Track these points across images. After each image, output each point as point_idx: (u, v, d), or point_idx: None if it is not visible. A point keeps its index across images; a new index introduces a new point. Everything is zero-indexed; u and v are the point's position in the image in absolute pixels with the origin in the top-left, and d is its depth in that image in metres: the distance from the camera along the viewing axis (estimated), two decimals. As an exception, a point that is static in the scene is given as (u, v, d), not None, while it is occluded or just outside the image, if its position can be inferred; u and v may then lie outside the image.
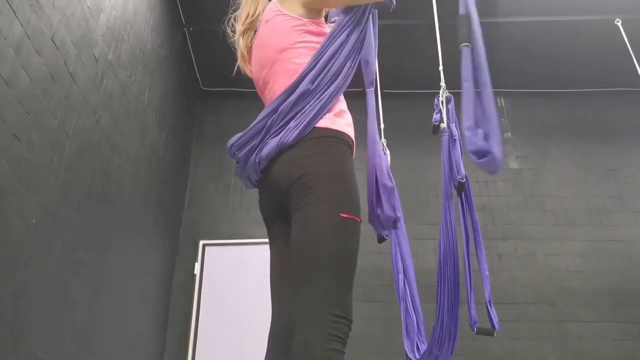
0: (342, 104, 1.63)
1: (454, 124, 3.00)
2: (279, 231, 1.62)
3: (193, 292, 4.77)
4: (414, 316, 3.15)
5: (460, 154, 2.92)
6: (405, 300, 3.19)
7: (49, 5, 2.64)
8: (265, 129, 1.57)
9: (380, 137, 3.81)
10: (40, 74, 2.56)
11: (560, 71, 5.38)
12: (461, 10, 1.96)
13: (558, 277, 4.83)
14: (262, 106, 1.67)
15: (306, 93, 1.55)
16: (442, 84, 3.11)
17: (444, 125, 2.99)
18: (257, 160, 1.57)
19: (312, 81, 1.56)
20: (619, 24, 4.42)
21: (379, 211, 1.66)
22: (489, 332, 2.82)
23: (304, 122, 1.51)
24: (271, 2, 1.73)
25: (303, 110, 1.53)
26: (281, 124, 1.54)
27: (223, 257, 4.96)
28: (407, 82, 5.28)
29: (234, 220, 5.13)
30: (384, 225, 1.69)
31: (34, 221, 2.51)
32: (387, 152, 3.57)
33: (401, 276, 3.26)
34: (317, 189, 1.44)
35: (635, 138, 5.45)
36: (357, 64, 1.65)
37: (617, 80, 5.42)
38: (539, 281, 4.80)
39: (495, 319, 2.81)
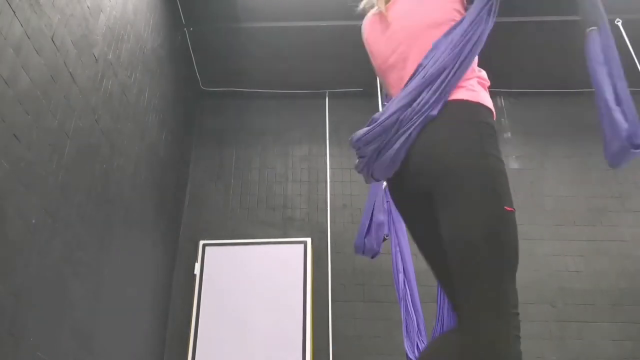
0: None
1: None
2: (421, 230, 1.59)
3: (193, 292, 4.77)
4: (414, 316, 3.15)
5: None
6: (406, 300, 3.19)
7: (48, 5, 2.64)
8: (398, 123, 1.48)
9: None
10: (40, 74, 2.56)
11: (560, 71, 5.38)
12: None
13: (558, 277, 4.82)
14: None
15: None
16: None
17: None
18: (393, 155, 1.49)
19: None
20: (619, 24, 4.41)
21: (365, 240, 1.72)
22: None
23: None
24: None
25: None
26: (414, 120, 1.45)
27: (223, 257, 4.96)
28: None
29: (234, 220, 5.13)
30: (364, 253, 1.76)
31: (33, 221, 2.50)
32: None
33: (401, 276, 3.26)
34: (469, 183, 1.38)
35: (636, 138, 5.43)
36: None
37: (617, 80, 5.41)
38: (539, 281, 4.79)
39: (495, 319, 2.80)
